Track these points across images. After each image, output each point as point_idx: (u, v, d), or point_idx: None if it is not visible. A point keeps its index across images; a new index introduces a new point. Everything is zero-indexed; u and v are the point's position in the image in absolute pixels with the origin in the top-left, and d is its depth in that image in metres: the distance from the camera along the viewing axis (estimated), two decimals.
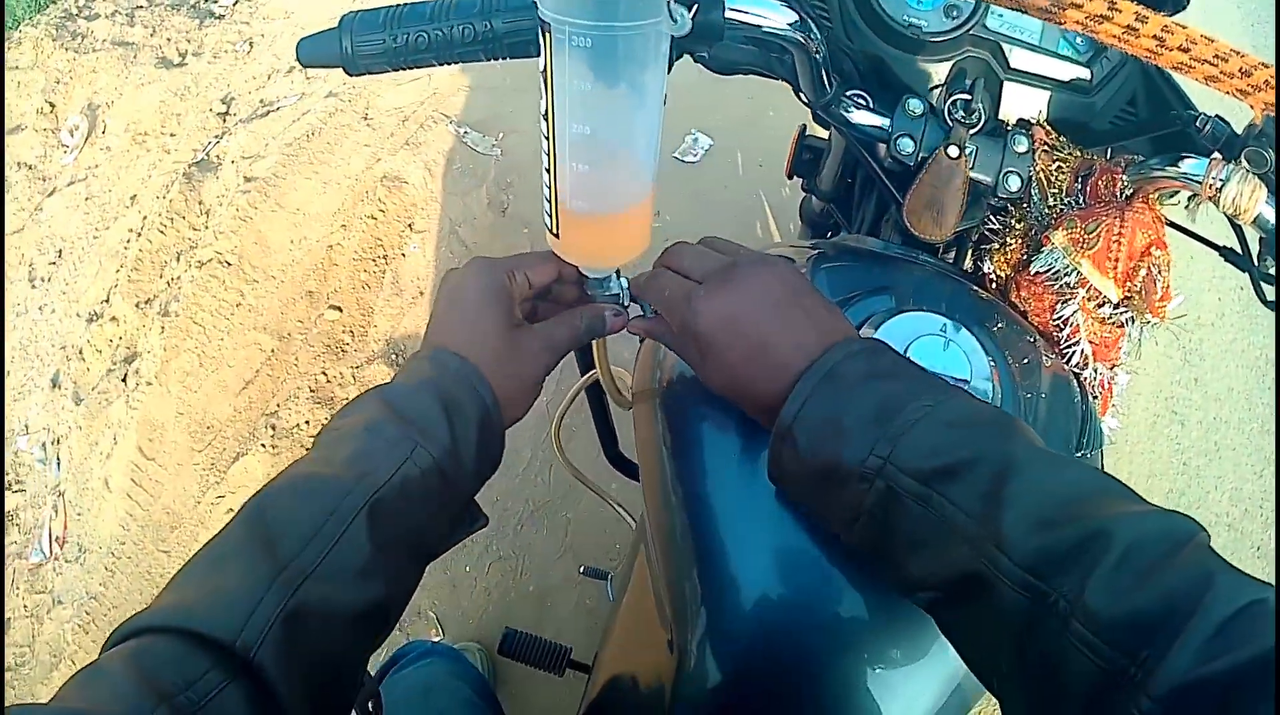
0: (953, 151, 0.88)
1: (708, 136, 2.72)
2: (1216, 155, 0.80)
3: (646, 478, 0.88)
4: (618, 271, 0.80)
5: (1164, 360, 2.62)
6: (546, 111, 0.64)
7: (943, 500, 0.58)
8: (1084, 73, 0.94)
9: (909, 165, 0.92)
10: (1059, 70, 0.94)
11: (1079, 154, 0.93)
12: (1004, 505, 0.56)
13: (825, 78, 0.89)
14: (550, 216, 0.72)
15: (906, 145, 0.91)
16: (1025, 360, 0.84)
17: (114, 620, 2.33)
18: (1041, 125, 0.94)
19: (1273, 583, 0.46)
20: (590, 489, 1.40)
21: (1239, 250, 0.90)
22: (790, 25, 0.81)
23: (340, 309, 2.51)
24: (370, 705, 0.78)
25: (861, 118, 0.93)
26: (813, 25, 0.83)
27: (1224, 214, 0.81)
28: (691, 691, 0.78)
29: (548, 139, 0.66)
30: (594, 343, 0.90)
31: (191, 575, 0.59)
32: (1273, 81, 0.67)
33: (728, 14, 0.77)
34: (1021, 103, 0.96)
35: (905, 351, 0.76)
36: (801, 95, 0.95)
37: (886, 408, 0.63)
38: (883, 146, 0.94)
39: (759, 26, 0.80)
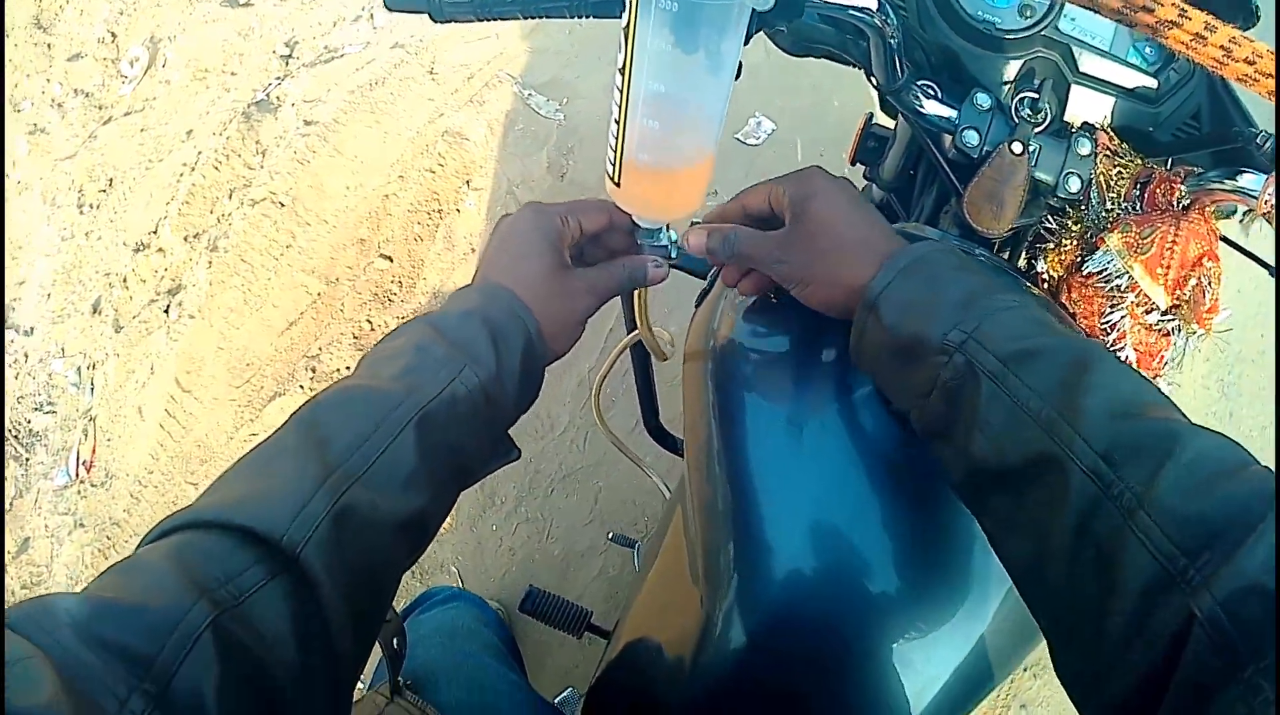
0: (1016, 148, 0.92)
1: (771, 121, 2.76)
2: (1275, 173, 0.84)
3: (690, 438, 0.93)
4: (668, 225, 0.87)
5: (1201, 391, 2.64)
6: (624, 66, 0.70)
7: (1018, 381, 0.62)
8: (1151, 82, 0.97)
9: (973, 158, 0.95)
10: (1126, 78, 0.97)
11: (1140, 162, 0.96)
12: (1083, 391, 0.59)
13: (898, 64, 0.93)
14: (613, 165, 0.78)
15: (972, 138, 0.94)
16: None
17: (134, 548, 2.42)
18: (1105, 130, 0.97)
19: None
20: (627, 456, 1.45)
21: None
22: (869, 8, 0.86)
23: (391, 259, 2.56)
24: (395, 641, 0.86)
25: (930, 107, 0.96)
26: (890, 10, 0.87)
27: (1277, 231, 0.85)
28: (716, 655, 0.83)
29: (621, 92, 0.72)
30: (635, 297, 0.96)
31: (240, 475, 0.62)
32: None
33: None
34: (1087, 106, 0.99)
35: None
36: (873, 79, 1.00)
37: (975, 294, 0.69)
38: (948, 137, 0.97)
39: (839, 5, 0.85)
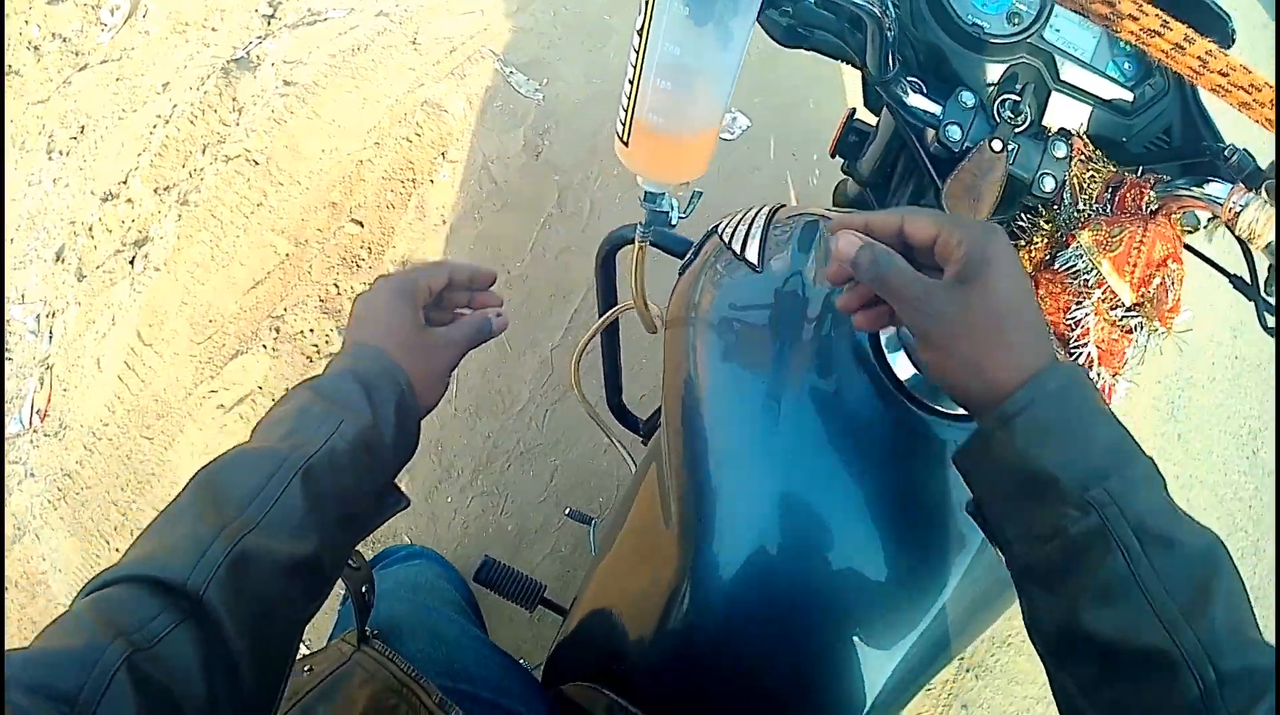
0: (996, 144, 0.97)
1: (746, 117, 2.81)
2: (1240, 183, 0.90)
3: (671, 399, 0.97)
4: (669, 193, 0.92)
5: (1151, 412, 2.74)
6: (642, 28, 0.74)
7: (1151, 568, 0.61)
8: (1127, 96, 1.03)
9: (954, 152, 1.00)
10: (1104, 89, 1.03)
11: (1112, 168, 1.02)
12: (1211, 598, 0.59)
13: (890, 57, 0.98)
14: (623, 125, 0.83)
15: (955, 133, 0.99)
16: None
17: (86, 500, 2.41)
18: (1080, 137, 1.03)
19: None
20: (598, 424, 1.49)
21: (1247, 279, 1.00)
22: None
23: (362, 224, 2.58)
24: (364, 590, 0.90)
25: (916, 101, 1.01)
26: (890, 3, 0.92)
27: (1238, 237, 0.90)
28: (691, 607, 0.87)
29: (637, 53, 0.76)
30: (633, 272, 1.03)
31: (148, 537, 0.67)
32: None
33: None
34: (1065, 113, 1.05)
35: None
36: (865, 70, 1.05)
37: (1125, 447, 0.67)
38: (931, 132, 1.02)
39: None
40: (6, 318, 2.64)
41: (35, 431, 2.51)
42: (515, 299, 2.52)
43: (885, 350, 0.87)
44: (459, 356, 0.89)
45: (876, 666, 0.87)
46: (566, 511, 1.84)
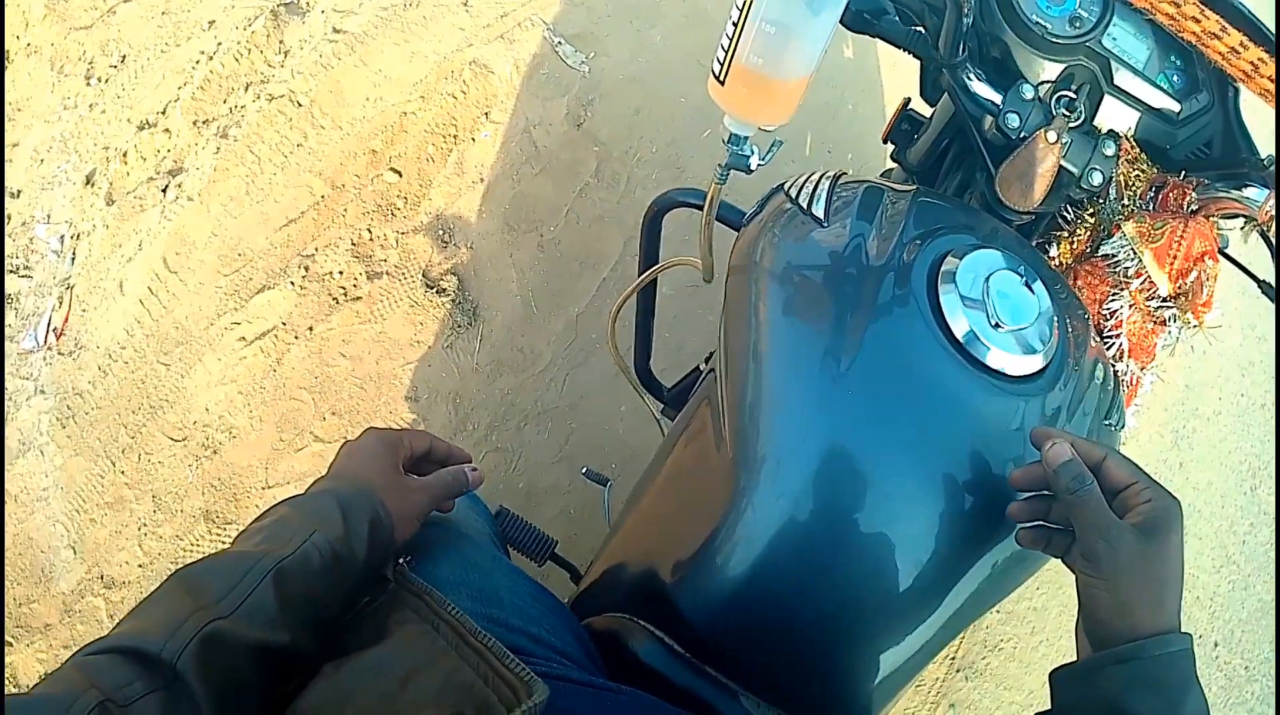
0: (1051, 135, 1.06)
1: None
2: (1276, 189, 0.99)
3: (731, 340, 1.02)
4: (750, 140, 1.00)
5: (1156, 438, 2.82)
6: None
7: None
8: (1174, 106, 1.12)
9: (1010, 140, 1.09)
10: (1154, 98, 1.12)
11: (1156, 169, 1.12)
12: None
13: (962, 43, 1.07)
14: (720, 64, 0.92)
15: (1013, 120, 1.08)
16: (1078, 330, 1.00)
17: (95, 420, 2.49)
18: (1128, 139, 1.12)
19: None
20: (631, 383, 1.56)
21: (1274, 284, 1.09)
22: None
23: (400, 174, 2.65)
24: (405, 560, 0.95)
25: (979, 88, 1.10)
26: None
27: (1271, 241, 1.00)
28: (734, 554, 0.93)
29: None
30: (707, 207, 1.12)
31: (130, 617, 0.75)
32: None
33: None
34: (1115, 116, 1.14)
35: (986, 281, 0.92)
36: (924, 61, 1.15)
37: None
38: (989, 119, 1.11)
39: None
40: (30, 237, 2.71)
41: (50, 349, 2.58)
42: (547, 262, 2.60)
43: (944, 309, 0.92)
44: (431, 505, 0.99)
45: (903, 627, 0.94)
46: (583, 471, 1.89)
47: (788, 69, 0.90)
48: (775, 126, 0.96)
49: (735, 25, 0.88)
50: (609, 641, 1.00)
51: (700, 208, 1.41)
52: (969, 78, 1.10)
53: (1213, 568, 2.72)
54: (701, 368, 1.67)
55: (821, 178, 1.07)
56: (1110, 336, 1.12)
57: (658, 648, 0.95)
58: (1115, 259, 1.09)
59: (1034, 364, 0.92)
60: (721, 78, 0.92)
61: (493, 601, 0.97)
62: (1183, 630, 0.79)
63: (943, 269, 0.94)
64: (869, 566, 0.90)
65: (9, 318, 2.64)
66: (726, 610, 0.94)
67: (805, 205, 1.04)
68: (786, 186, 1.11)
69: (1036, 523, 0.89)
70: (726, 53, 0.90)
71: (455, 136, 2.69)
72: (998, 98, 1.10)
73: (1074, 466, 0.83)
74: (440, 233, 2.60)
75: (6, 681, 2.32)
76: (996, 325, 0.91)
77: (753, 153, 1.02)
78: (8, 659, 2.36)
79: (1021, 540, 0.90)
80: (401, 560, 0.94)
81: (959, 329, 0.91)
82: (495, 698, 0.70)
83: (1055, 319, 0.94)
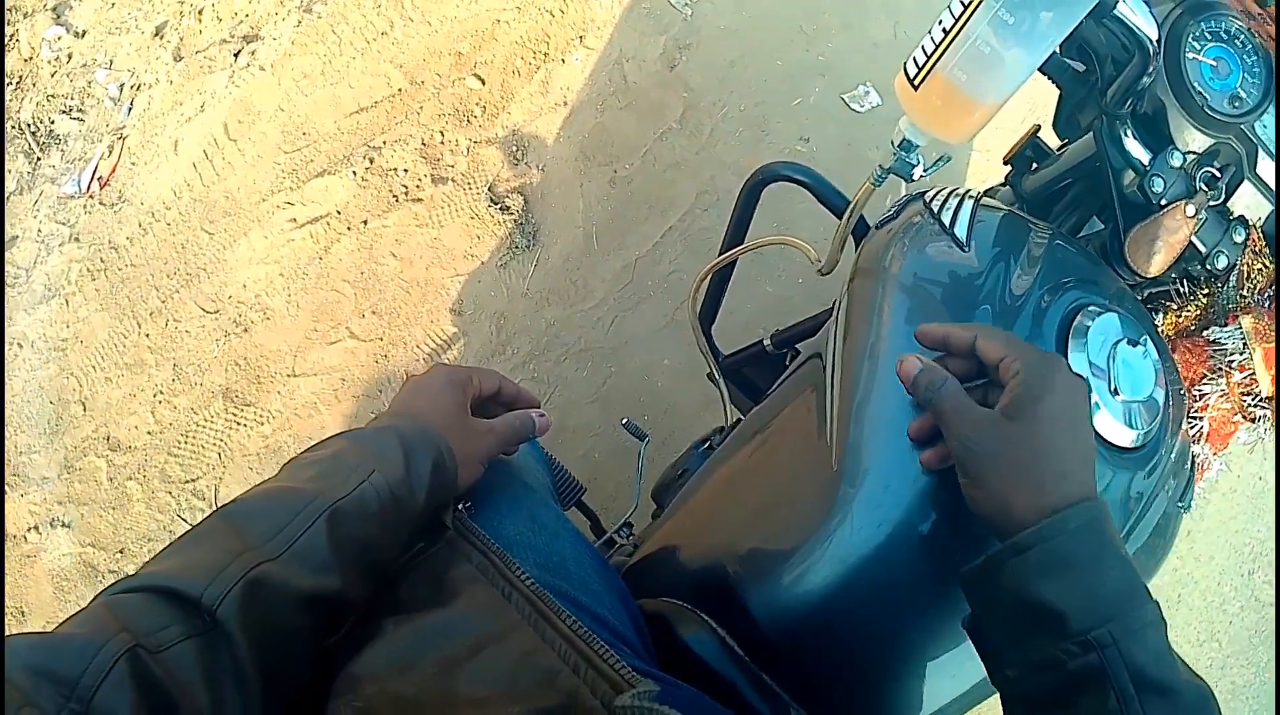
0: (1190, 209, 1.03)
1: (879, 95, 2.83)
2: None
3: (851, 340, 0.98)
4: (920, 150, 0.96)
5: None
6: None
7: (1142, 712, 0.66)
8: None
9: (1149, 202, 1.07)
10: None
11: (1275, 267, 1.09)
12: None
13: (1130, 95, 1.04)
14: (918, 67, 0.87)
15: (1158, 185, 1.05)
16: (1176, 413, 0.98)
17: (128, 277, 2.44)
18: (1257, 229, 1.10)
19: None
20: (702, 352, 1.52)
21: None
22: (1149, 38, 0.97)
23: (483, 81, 2.59)
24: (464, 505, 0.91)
25: (1131, 144, 1.07)
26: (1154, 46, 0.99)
27: None
28: (819, 568, 0.89)
29: (965, 7, 0.81)
30: (846, 215, 1.10)
31: (167, 554, 0.70)
32: None
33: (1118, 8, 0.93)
34: (1249, 203, 1.11)
35: (1114, 346, 0.90)
36: (1066, 96, 1.15)
37: (1133, 591, 0.71)
38: (1131, 176, 1.08)
39: (1135, 27, 0.96)
40: (89, 79, 2.66)
41: (92, 197, 2.54)
42: (616, 199, 2.54)
43: (1070, 365, 0.90)
44: (497, 448, 0.93)
45: (969, 674, 0.90)
46: (624, 421, 1.84)
47: (988, 92, 0.86)
48: (954, 143, 0.93)
49: (946, 33, 0.83)
50: (658, 624, 0.96)
51: (804, 185, 1.41)
52: (1125, 132, 1.08)
53: (1196, 641, 2.68)
54: (766, 344, 1.65)
55: (965, 197, 1.05)
56: (1194, 417, 1.11)
57: (713, 641, 0.92)
58: (1223, 347, 1.08)
59: (1132, 438, 0.91)
60: (916, 82, 0.88)
61: (560, 572, 0.91)
62: (1089, 498, 0.74)
63: (1075, 323, 0.93)
64: (949, 608, 0.86)
65: (54, 158, 2.59)
66: (795, 621, 0.90)
67: (947, 223, 1.01)
68: (928, 198, 1.08)
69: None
70: (929, 58, 0.86)
71: (546, 54, 2.62)
72: (1146, 157, 1.07)
73: (925, 374, 0.83)
74: (514, 149, 2.54)
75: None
76: (1115, 392, 0.90)
77: (919, 162, 0.99)
78: None
79: (924, 461, 0.86)
80: (460, 506, 0.91)
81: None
82: (587, 689, 0.67)
83: (1166, 398, 0.94)
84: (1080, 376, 0.81)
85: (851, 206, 1.13)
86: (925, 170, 1.03)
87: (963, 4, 0.81)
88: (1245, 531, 2.84)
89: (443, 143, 2.53)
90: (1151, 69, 1.00)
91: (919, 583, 0.87)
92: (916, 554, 0.86)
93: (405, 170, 2.49)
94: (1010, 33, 0.81)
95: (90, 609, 0.63)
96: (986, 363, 0.82)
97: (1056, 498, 0.73)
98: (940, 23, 0.84)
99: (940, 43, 0.84)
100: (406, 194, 2.49)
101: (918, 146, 0.97)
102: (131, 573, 0.67)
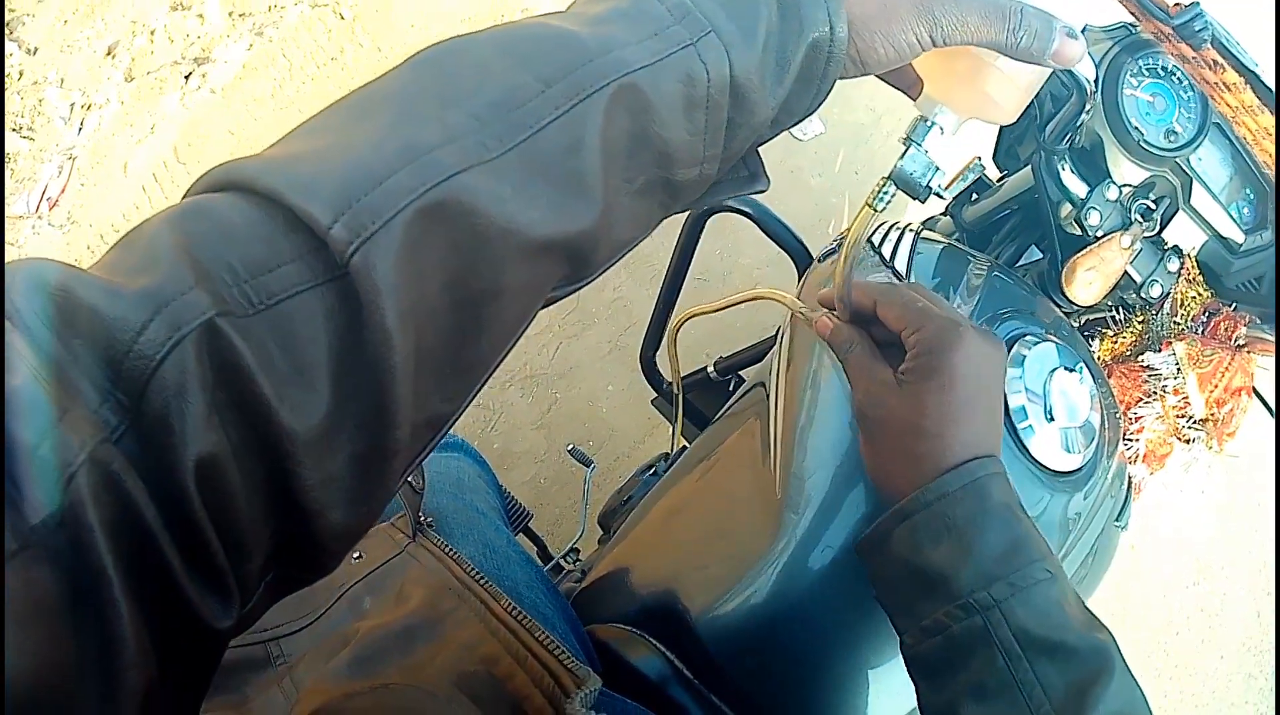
0: (1126, 240, 1.12)
1: (822, 123, 2.91)
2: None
3: (792, 375, 1.01)
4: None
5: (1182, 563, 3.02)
6: None
7: (1032, 673, 0.65)
8: (1239, 237, 1.18)
9: (1085, 234, 1.15)
10: (1223, 224, 1.18)
11: (1211, 295, 1.19)
12: (1090, 704, 0.63)
13: (1069, 132, 1.12)
14: None
15: (1094, 217, 1.13)
16: (1112, 438, 1.05)
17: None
18: (1191, 258, 1.19)
19: None
20: (674, 396, 1.55)
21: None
22: (1086, 80, 1.06)
23: None
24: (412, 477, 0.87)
25: (1068, 178, 1.15)
26: (1092, 88, 1.07)
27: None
28: (773, 592, 0.92)
29: None
30: (843, 252, 0.84)
31: (306, 132, 0.47)
32: None
33: None
34: (1184, 233, 1.20)
35: (1049, 376, 0.95)
36: (1002, 134, 1.24)
37: (1018, 551, 0.69)
38: (1069, 208, 1.15)
39: (1073, 69, 1.03)
40: (40, 97, 2.68)
41: (40, 218, 2.56)
42: None
43: (1006, 391, 0.94)
44: (931, 41, 0.60)
45: (904, 693, 0.91)
46: (569, 448, 1.85)
47: (1023, 78, 0.73)
48: (993, 122, 0.78)
49: None
50: (606, 650, 0.97)
51: (748, 216, 1.42)
52: (1062, 166, 1.15)
53: (1145, 653, 2.84)
54: (710, 372, 1.69)
55: (905, 230, 1.10)
56: (1130, 439, 1.17)
57: (662, 664, 0.95)
58: (1157, 372, 1.14)
59: (1069, 463, 0.96)
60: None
61: (511, 593, 0.80)
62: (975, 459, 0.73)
63: (1013, 352, 0.96)
64: (891, 629, 0.87)
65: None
66: (743, 643, 0.94)
67: (887, 256, 1.06)
68: (868, 232, 1.12)
69: None
70: None
71: None
72: (1084, 191, 1.14)
73: (836, 334, 0.82)
74: None
75: None
76: (1051, 418, 0.94)
77: (934, 170, 0.76)
78: None
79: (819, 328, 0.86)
80: (423, 519, 0.89)
81: (1013, 403, 0.94)
82: (530, 681, 0.66)
83: (1099, 424, 0.99)
84: (992, 341, 0.80)
85: (848, 243, 0.88)
86: (943, 189, 0.77)
87: None
88: (1189, 545, 3.03)
89: None
90: (1089, 107, 1.08)
91: (861, 604, 0.88)
92: (859, 577, 0.86)
93: None
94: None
95: (154, 233, 0.40)
96: (890, 329, 0.79)
97: (942, 462, 0.72)
98: None
99: None
100: None
101: (933, 125, 0.74)
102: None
